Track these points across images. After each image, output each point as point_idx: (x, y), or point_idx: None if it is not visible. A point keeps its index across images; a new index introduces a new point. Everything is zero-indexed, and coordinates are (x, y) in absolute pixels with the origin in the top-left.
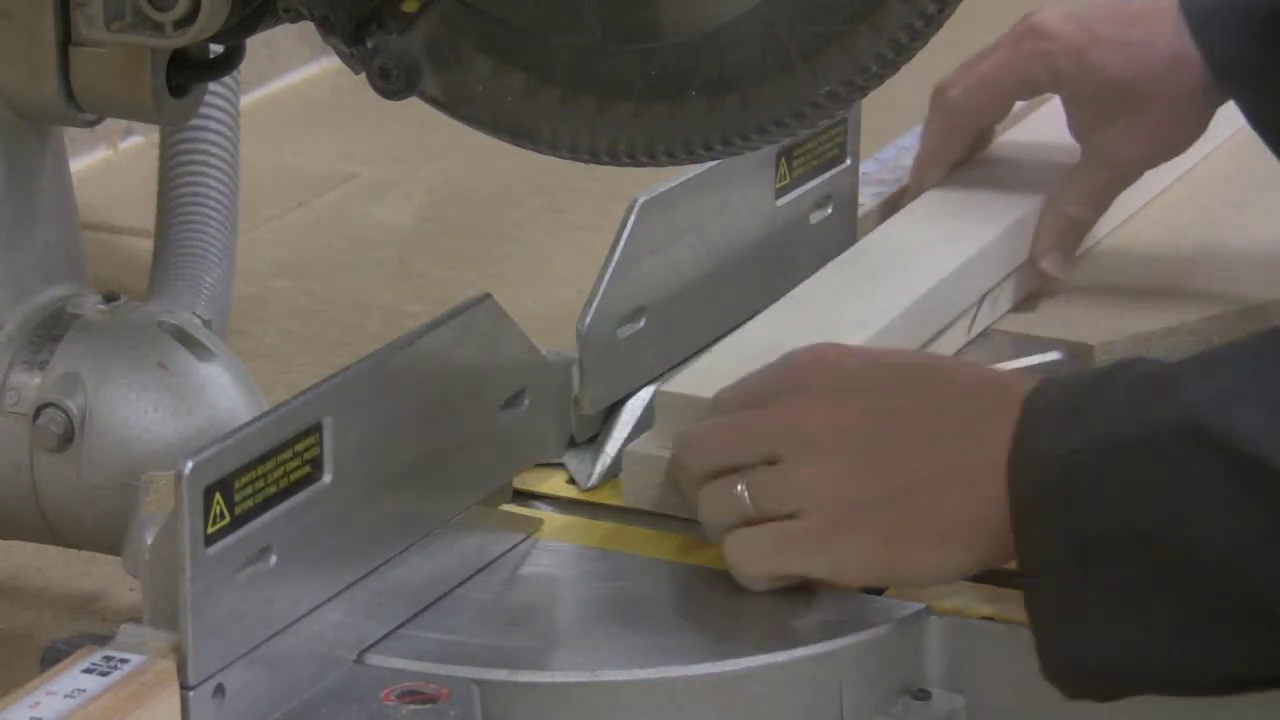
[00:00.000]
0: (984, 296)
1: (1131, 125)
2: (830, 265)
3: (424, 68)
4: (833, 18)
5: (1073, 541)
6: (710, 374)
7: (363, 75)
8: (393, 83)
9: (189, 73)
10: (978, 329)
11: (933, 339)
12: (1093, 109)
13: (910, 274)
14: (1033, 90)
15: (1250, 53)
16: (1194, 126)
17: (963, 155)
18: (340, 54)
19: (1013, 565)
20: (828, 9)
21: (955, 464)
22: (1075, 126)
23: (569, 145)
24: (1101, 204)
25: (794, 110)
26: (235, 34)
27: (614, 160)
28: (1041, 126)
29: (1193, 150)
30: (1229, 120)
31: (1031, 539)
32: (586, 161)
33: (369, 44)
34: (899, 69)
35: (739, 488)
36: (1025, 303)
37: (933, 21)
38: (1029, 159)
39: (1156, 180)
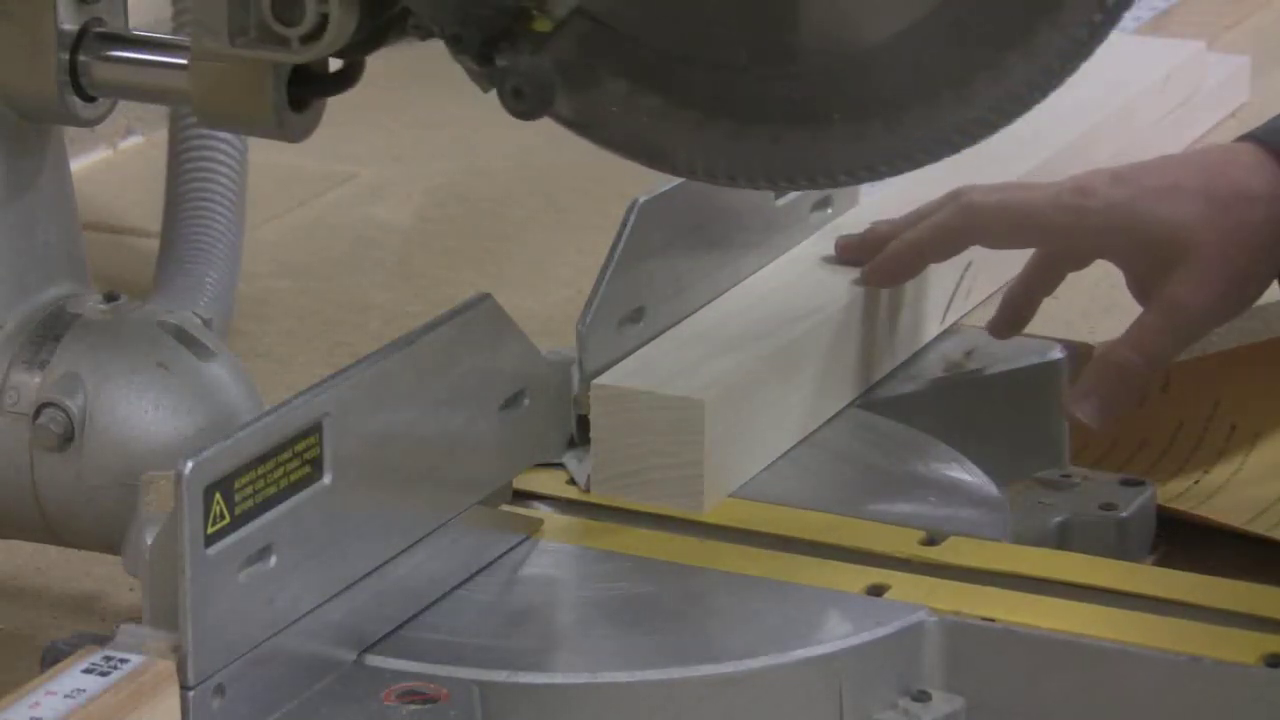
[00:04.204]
0: (956, 288)
1: (1190, 270)
2: (785, 255)
3: (557, 87)
4: (983, 44)
5: None
6: (647, 366)
7: (362, 77)
8: (526, 102)
9: (310, 87)
10: (952, 318)
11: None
12: (1147, 260)
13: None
14: (1063, 237)
15: None
16: (1266, 268)
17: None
18: (470, 72)
19: None
20: (978, 35)
21: None
22: (1134, 286)
23: (705, 169)
24: (1152, 351)
25: (940, 137)
26: (359, 49)
27: (750, 183)
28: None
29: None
30: (1220, 119)
31: None
32: (723, 185)
33: (499, 63)
34: (1050, 93)
35: None
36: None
37: (1084, 46)
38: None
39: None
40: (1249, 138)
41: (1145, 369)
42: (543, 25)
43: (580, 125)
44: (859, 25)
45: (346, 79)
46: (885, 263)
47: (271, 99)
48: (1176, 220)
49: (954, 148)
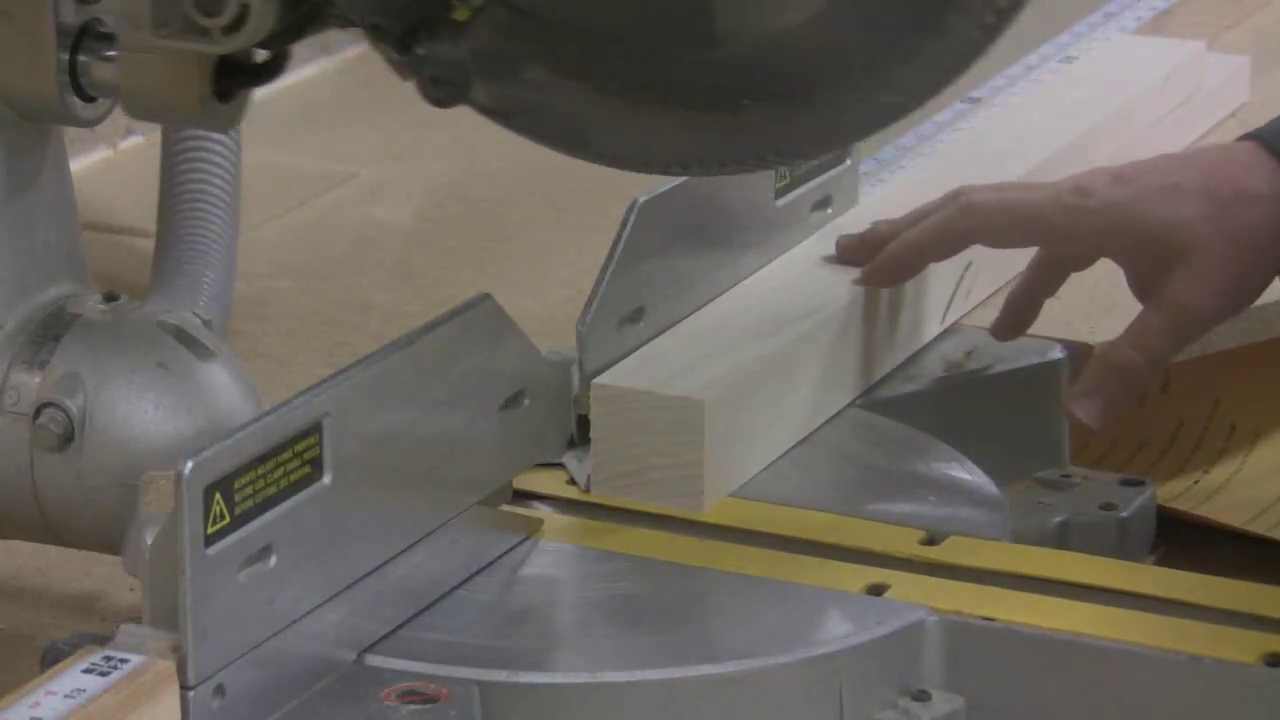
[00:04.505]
0: (956, 288)
1: (1190, 270)
2: (785, 255)
3: (474, 76)
4: (892, 28)
5: None
6: (647, 366)
7: (362, 77)
8: (443, 90)
9: (236, 78)
10: (952, 318)
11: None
12: (1147, 259)
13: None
14: (1063, 237)
15: None
16: (1266, 267)
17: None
18: (390, 61)
19: None
20: (888, 20)
21: None
22: (1135, 285)
23: (623, 155)
24: (1153, 351)
25: (856, 121)
26: (282, 39)
27: (665, 170)
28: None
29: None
30: (1220, 119)
31: None
32: (638, 171)
33: (419, 52)
34: (958, 77)
35: None
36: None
37: (992, 30)
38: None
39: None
40: (1250, 137)
41: (1145, 368)
42: (461, 14)
43: (499, 113)
44: (776, 8)
45: (272, 70)
46: (885, 263)
47: (197, 90)
48: (1176, 220)
49: (868, 131)
